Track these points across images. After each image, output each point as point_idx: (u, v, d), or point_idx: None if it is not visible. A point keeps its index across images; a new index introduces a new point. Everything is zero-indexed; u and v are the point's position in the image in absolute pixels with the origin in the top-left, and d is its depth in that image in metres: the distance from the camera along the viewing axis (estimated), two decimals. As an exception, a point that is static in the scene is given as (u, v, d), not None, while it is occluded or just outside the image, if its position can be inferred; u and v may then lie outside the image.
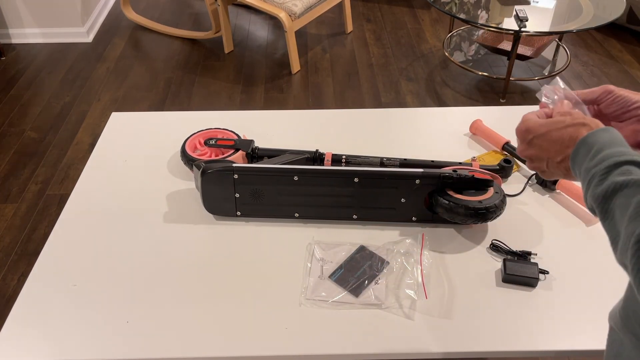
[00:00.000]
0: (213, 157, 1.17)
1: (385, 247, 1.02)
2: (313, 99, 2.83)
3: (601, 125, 0.66)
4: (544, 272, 0.97)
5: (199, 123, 1.37)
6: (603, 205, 0.57)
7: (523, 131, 0.73)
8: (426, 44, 3.32)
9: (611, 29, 3.37)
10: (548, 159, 0.71)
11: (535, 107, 1.39)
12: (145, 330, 0.89)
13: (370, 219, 1.08)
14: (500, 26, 2.61)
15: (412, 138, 1.31)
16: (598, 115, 0.78)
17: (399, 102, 2.79)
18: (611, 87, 0.76)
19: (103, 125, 2.65)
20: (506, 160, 1.14)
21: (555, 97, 0.78)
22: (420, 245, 1.03)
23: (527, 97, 2.81)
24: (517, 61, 3.00)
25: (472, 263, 1.00)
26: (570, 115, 0.70)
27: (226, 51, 3.25)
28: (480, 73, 2.89)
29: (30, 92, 2.92)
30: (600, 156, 0.61)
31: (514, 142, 1.25)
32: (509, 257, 1.00)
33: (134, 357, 0.85)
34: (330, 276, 0.97)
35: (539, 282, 0.95)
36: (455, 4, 2.83)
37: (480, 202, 1.00)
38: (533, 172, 1.18)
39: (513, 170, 1.20)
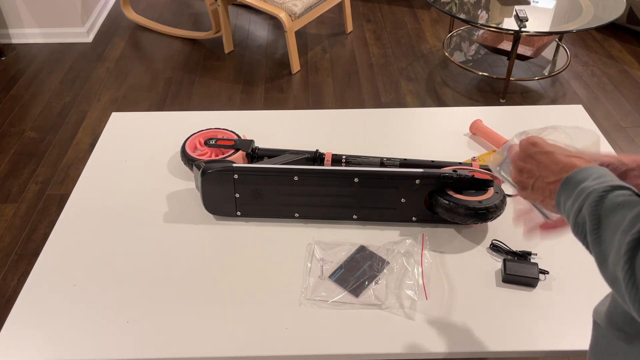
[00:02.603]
0: (213, 157, 1.17)
1: (386, 247, 1.02)
2: (313, 99, 2.83)
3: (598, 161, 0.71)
4: (544, 272, 0.97)
5: (199, 123, 1.37)
6: (597, 222, 0.56)
7: (529, 143, 0.74)
8: (426, 44, 3.32)
9: (611, 29, 3.37)
10: (540, 177, 0.71)
11: (534, 107, 1.39)
12: (145, 330, 0.89)
13: (370, 219, 1.08)
14: (500, 26, 2.61)
15: (412, 138, 1.31)
16: None
17: (399, 102, 2.79)
18: (600, 158, 0.76)
19: (103, 125, 2.65)
20: (506, 160, 1.14)
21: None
22: (421, 245, 1.03)
23: (527, 97, 2.81)
24: (517, 61, 3.00)
25: (472, 263, 1.00)
26: (576, 149, 0.72)
27: (226, 51, 3.25)
28: (480, 73, 2.89)
29: (30, 92, 2.92)
30: (600, 180, 0.61)
31: (514, 142, 1.24)
32: (509, 257, 1.00)
33: (134, 357, 0.85)
34: (330, 276, 0.97)
35: (539, 282, 0.95)
36: (455, 4, 2.83)
37: (480, 202, 1.00)
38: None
39: (513, 170, 1.20)
